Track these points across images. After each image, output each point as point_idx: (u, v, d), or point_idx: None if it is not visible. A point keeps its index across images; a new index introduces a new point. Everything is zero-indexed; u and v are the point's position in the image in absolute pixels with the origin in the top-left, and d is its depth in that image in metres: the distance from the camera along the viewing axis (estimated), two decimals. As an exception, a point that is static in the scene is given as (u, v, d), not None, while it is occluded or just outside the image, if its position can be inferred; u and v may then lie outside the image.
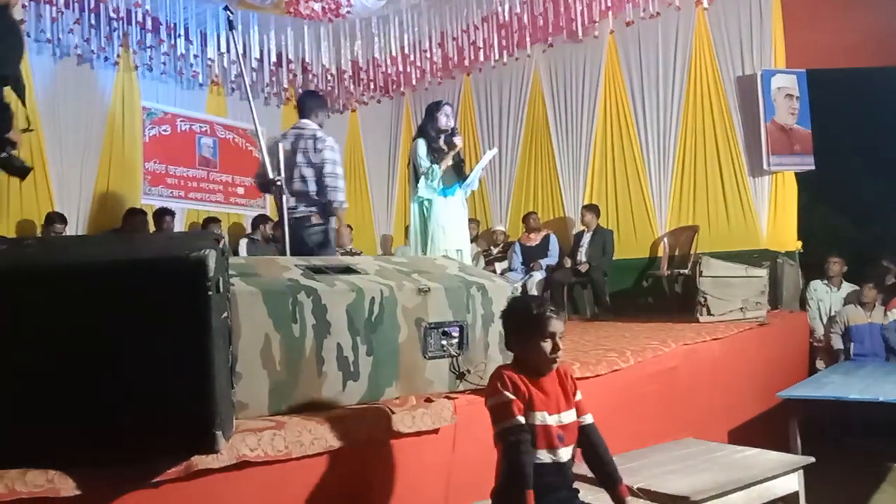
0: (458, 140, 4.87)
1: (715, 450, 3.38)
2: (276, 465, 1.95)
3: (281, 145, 4.13)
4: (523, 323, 1.98)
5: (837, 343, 6.06)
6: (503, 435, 1.90)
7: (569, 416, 2.00)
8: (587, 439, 2.05)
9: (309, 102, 4.64)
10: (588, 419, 2.05)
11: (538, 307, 1.98)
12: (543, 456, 1.93)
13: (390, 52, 8.17)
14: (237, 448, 1.84)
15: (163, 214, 7.07)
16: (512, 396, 1.91)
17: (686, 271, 6.65)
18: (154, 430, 1.59)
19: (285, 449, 1.96)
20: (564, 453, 1.96)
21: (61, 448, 1.57)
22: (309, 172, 4.31)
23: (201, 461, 1.74)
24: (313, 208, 4.31)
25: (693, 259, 6.71)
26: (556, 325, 1.95)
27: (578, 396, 2.06)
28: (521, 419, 1.89)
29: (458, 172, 4.92)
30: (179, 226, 7.60)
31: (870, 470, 4.30)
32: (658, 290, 7.19)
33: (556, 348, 1.96)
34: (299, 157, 4.31)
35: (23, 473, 1.51)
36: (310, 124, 4.49)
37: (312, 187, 4.31)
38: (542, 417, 1.93)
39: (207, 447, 1.64)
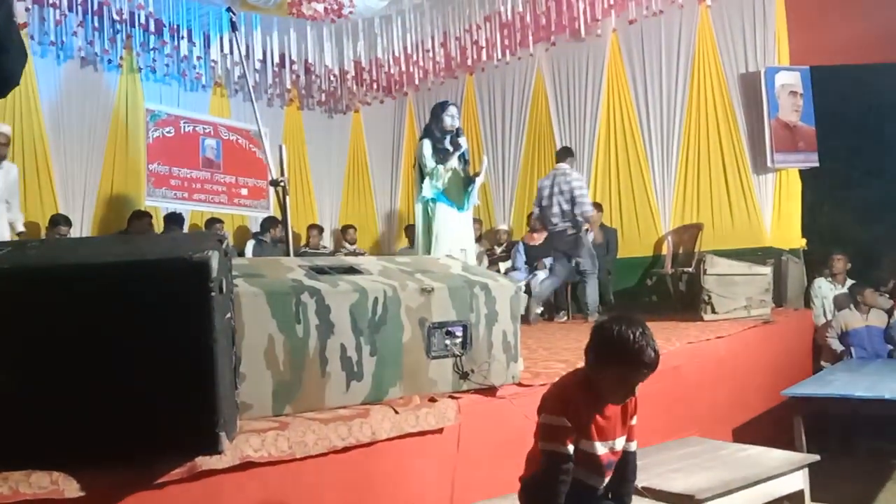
0: (463, 141, 4.88)
1: (719, 448, 3.37)
2: (280, 466, 1.95)
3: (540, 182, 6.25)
4: (618, 352, 1.80)
5: (835, 346, 6.04)
6: (550, 456, 1.83)
7: (620, 443, 1.91)
8: (622, 463, 1.95)
9: (562, 154, 6.48)
10: (632, 446, 1.96)
11: (637, 335, 1.78)
12: (585, 477, 1.85)
13: (393, 52, 8.19)
14: (241, 449, 1.84)
15: (171, 222, 7.10)
16: (569, 425, 1.80)
17: (690, 269, 6.63)
18: (157, 431, 1.59)
19: (289, 449, 1.96)
20: (606, 479, 1.90)
21: (65, 449, 1.58)
22: (563, 198, 6.03)
23: (205, 462, 1.74)
24: (568, 223, 6.05)
25: (697, 257, 6.69)
26: (648, 354, 1.78)
27: (633, 421, 1.95)
28: (571, 449, 1.81)
29: (466, 183, 4.93)
30: (183, 227, 7.61)
31: (875, 468, 4.29)
32: (662, 289, 7.18)
33: (630, 393, 1.86)
34: (555, 189, 6.08)
35: (27, 475, 1.51)
36: (563, 166, 6.22)
37: (566, 207, 6.00)
38: (594, 447, 1.84)
39: (211, 448, 1.64)
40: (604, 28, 7.64)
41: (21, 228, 5.46)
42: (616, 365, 1.80)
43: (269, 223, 7.72)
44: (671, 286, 7.04)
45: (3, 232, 5.17)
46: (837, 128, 7.27)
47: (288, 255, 3.68)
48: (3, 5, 2.51)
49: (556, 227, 6.13)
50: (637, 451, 2.02)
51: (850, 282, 6.52)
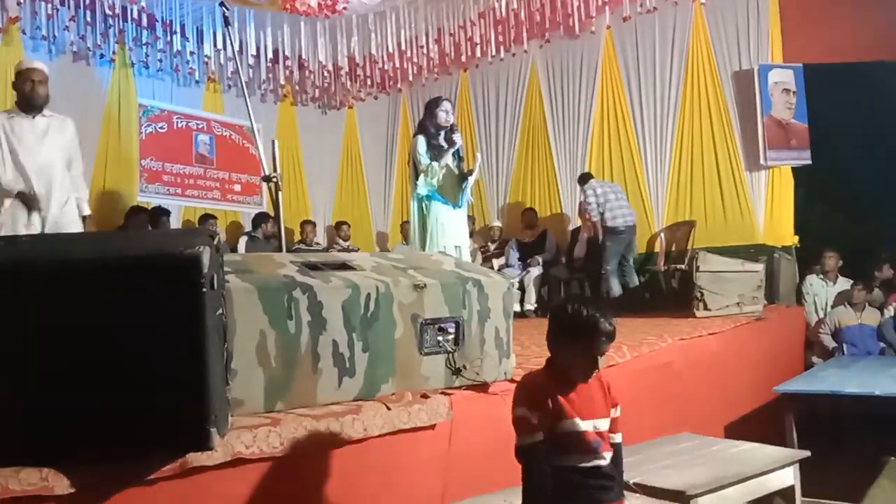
0: (457, 137, 4.87)
1: (711, 444, 3.39)
2: (272, 462, 1.95)
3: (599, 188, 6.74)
4: (573, 330, 1.85)
5: (828, 342, 6.08)
6: (518, 451, 1.86)
7: (604, 425, 1.90)
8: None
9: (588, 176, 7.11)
10: (617, 438, 1.96)
11: (587, 310, 1.85)
12: (579, 461, 1.85)
13: (387, 48, 8.16)
14: (232, 445, 1.84)
15: (159, 214, 7.06)
16: (525, 413, 1.83)
17: (683, 266, 6.67)
18: (148, 427, 1.59)
19: (281, 446, 1.96)
20: (603, 458, 1.87)
21: (55, 446, 1.57)
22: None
23: (196, 458, 1.74)
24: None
25: (690, 254, 6.72)
26: (605, 325, 1.83)
27: (616, 413, 1.95)
28: (538, 436, 1.82)
29: (460, 180, 4.93)
30: (176, 224, 7.59)
31: (865, 463, 4.32)
32: (655, 286, 7.20)
33: (593, 364, 1.87)
34: (616, 196, 6.74)
35: (16, 471, 1.51)
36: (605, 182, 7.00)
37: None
38: (574, 424, 1.84)
39: (202, 444, 1.64)
40: (598, 25, 7.63)
41: (87, 211, 4.39)
42: (574, 338, 1.85)
43: (260, 219, 7.70)
44: (664, 283, 7.07)
45: (71, 212, 4.23)
46: (830, 125, 7.31)
47: (281, 251, 3.67)
48: None
49: (621, 230, 6.60)
50: (628, 447, 2.01)
51: (842, 279, 6.55)
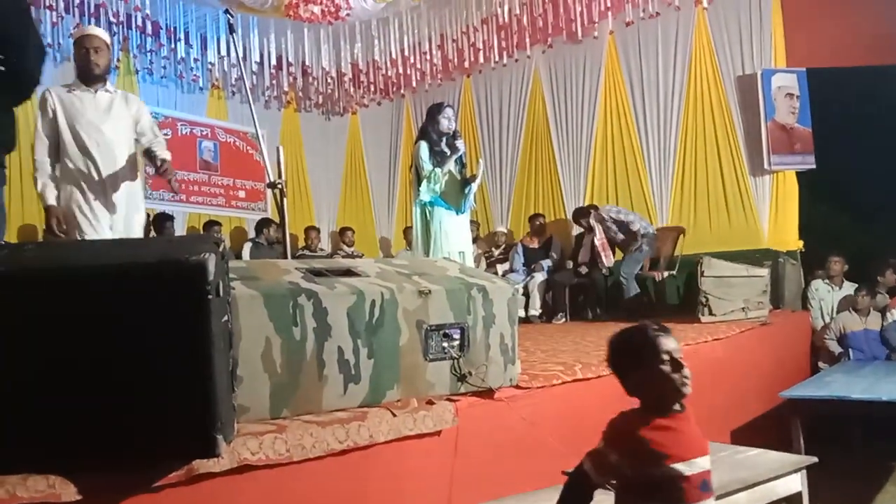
0: (460, 144, 4.87)
1: (717, 450, 3.37)
2: (278, 469, 1.94)
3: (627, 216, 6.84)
4: (630, 353, 1.70)
5: (834, 348, 6.05)
6: (570, 473, 1.73)
7: (708, 462, 1.68)
8: None
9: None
10: None
11: (639, 329, 1.70)
12: None
13: (390, 54, 8.19)
14: (238, 452, 1.84)
15: (164, 220, 7.08)
16: (604, 448, 1.65)
17: (673, 273, 6.73)
18: (155, 434, 1.59)
19: (286, 452, 1.95)
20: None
21: (62, 453, 1.57)
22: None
23: (202, 465, 1.74)
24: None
25: (678, 261, 6.80)
26: (668, 342, 1.66)
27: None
28: (594, 473, 1.66)
29: (463, 186, 4.93)
30: (180, 230, 7.61)
31: (873, 469, 4.29)
32: (660, 291, 7.18)
33: (678, 366, 1.67)
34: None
35: (24, 479, 1.51)
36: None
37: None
38: (671, 469, 1.60)
39: (208, 451, 1.64)
40: (601, 30, 7.64)
41: (164, 154, 3.84)
42: (638, 365, 1.68)
43: (262, 224, 7.73)
44: (651, 288, 7.05)
45: (137, 194, 3.84)
46: (834, 130, 7.29)
47: (285, 257, 3.68)
48: (11, 5, 2.50)
49: (653, 235, 6.84)
50: None
51: (847, 284, 6.53)
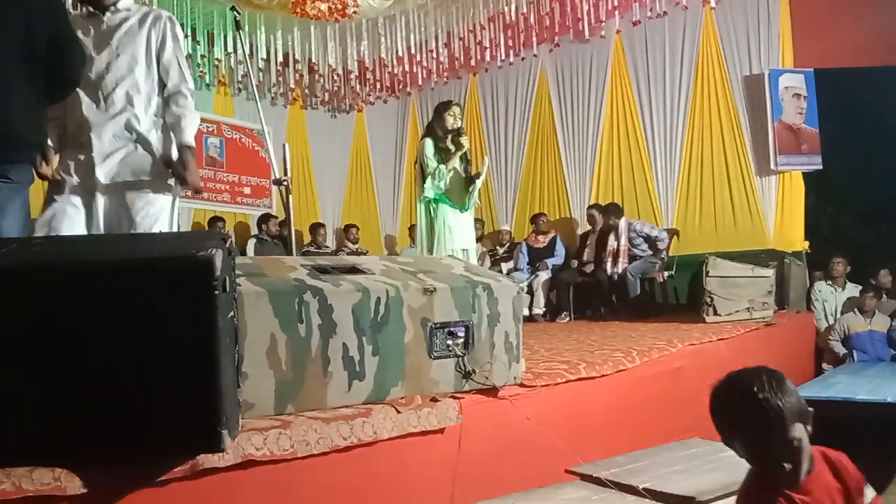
0: (464, 141, 4.88)
1: (721, 450, 3.34)
2: (282, 465, 1.95)
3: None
4: (728, 416, 1.48)
5: (838, 349, 6.04)
6: None
7: None
8: None
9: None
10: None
11: (742, 386, 1.42)
12: None
13: (397, 52, 8.18)
14: (243, 447, 1.84)
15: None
16: None
17: (672, 273, 6.75)
18: (160, 428, 1.60)
19: (291, 448, 1.96)
20: None
21: (68, 447, 1.58)
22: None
23: (207, 460, 1.75)
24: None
25: (675, 261, 6.83)
26: (797, 428, 1.39)
27: (869, 497, 1.55)
28: None
29: (467, 183, 4.93)
30: (185, 226, 7.62)
31: (878, 471, 4.27)
32: (664, 291, 7.18)
33: (789, 448, 1.42)
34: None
35: (30, 471, 1.52)
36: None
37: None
38: None
39: (213, 446, 1.64)
40: (608, 29, 7.63)
41: (187, 140, 2.82)
42: (739, 431, 1.49)
43: (263, 220, 7.76)
44: (669, 288, 7.05)
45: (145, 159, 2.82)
46: (841, 131, 7.28)
47: (290, 253, 3.69)
48: (58, 8, 2.56)
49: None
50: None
51: (850, 285, 6.52)
